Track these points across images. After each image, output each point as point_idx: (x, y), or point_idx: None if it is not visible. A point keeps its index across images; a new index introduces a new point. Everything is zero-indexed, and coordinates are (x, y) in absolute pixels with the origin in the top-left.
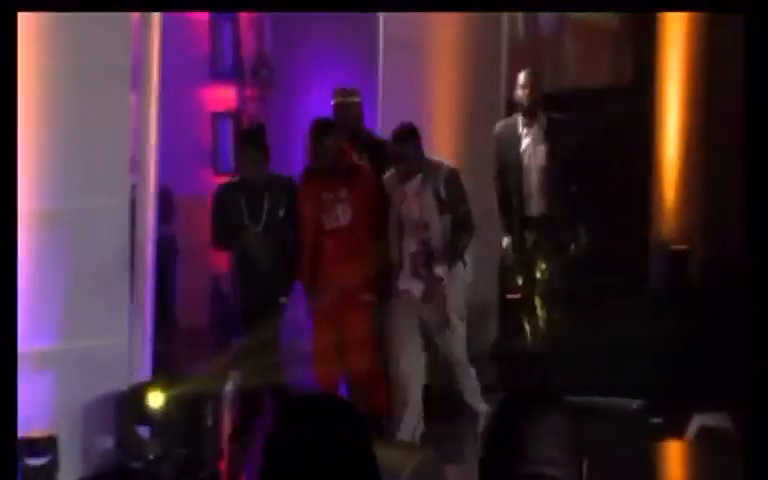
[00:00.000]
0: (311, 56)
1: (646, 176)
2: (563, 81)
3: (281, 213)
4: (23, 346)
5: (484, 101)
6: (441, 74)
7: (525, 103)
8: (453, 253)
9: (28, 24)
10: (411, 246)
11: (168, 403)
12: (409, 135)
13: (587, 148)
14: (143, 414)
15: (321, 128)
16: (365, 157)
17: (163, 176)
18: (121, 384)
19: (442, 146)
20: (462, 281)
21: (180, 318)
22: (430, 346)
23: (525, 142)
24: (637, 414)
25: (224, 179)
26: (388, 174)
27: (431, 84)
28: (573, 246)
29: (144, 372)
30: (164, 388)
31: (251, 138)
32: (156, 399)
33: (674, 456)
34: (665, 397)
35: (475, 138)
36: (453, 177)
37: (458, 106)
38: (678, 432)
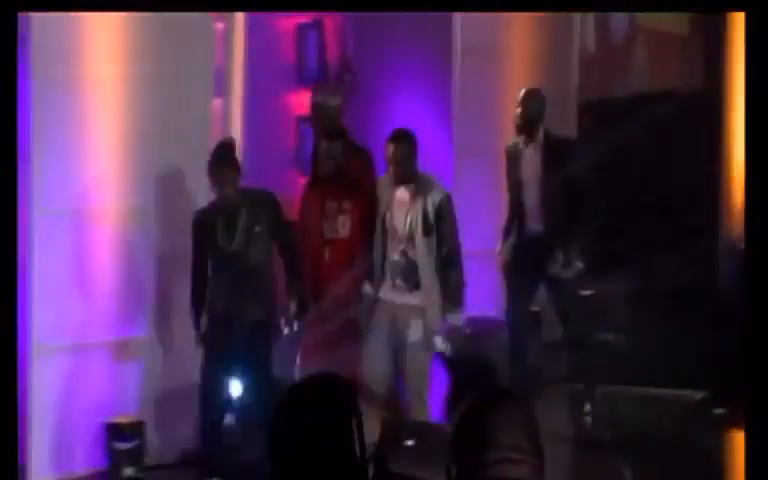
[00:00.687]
0: (391, 60)
1: (716, 177)
2: (633, 86)
3: (257, 229)
4: (113, 336)
5: (555, 106)
6: (514, 78)
7: (518, 121)
8: (450, 297)
9: (117, 25)
10: (393, 255)
11: (248, 391)
12: (404, 137)
13: (636, 151)
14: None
15: (330, 133)
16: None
17: (251, 177)
18: None
19: None
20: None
21: None
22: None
23: (524, 159)
24: (699, 405)
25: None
26: (383, 176)
27: (504, 88)
28: (565, 271)
29: None
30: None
31: (221, 154)
32: (236, 388)
33: (736, 447)
34: (727, 389)
35: None
36: (445, 205)
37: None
38: (740, 423)
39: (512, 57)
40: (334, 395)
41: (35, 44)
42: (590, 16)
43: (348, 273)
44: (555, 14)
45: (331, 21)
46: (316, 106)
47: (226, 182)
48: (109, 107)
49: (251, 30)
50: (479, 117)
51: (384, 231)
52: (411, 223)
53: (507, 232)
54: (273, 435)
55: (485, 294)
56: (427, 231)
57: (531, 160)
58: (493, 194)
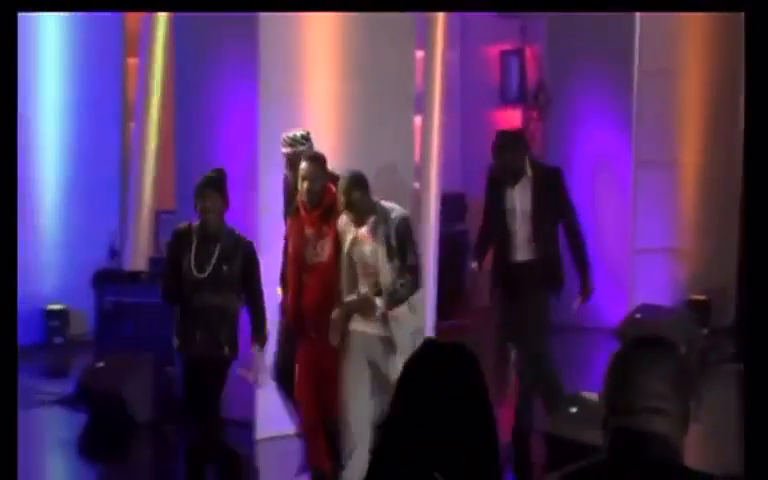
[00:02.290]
0: (578, 82)
1: None
2: None
3: (225, 268)
4: None
5: (722, 123)
6: (688, 97)
7: (500, 171)
8: (390, 300)
9: (331, 45)
10: (363, 287)
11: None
12: (355, 184)
13: None
14: None
15: (309, 156)
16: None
17: (460, 183)
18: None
19: (688, 161)
20: (408, 326)
21: (467, 298)
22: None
23: (512, 193)
24: None
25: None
26: (341, 217)
27: (679, 106)
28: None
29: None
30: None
31: (211, 179)
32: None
33: None
34: None
35: (717, 156)
36: (403, 224)
37: (702, 125)
38: None
39: (686, 77)
40: (460, 363)
41: (262, 48)
42: None
43: (331, 297)
44: (724, 34)
45: (530, 48)
46: (287, 156)
47: (211, 209)
48: (321, 120)
49: (457, 56)
50: (656, 132)
51: (352, 264)
52: (374, 253)
53: (483, 250)
54: (399, 393)
55: (659, 285)
56: (391, 256)
57: (521, 194)
58: (667, 200)
